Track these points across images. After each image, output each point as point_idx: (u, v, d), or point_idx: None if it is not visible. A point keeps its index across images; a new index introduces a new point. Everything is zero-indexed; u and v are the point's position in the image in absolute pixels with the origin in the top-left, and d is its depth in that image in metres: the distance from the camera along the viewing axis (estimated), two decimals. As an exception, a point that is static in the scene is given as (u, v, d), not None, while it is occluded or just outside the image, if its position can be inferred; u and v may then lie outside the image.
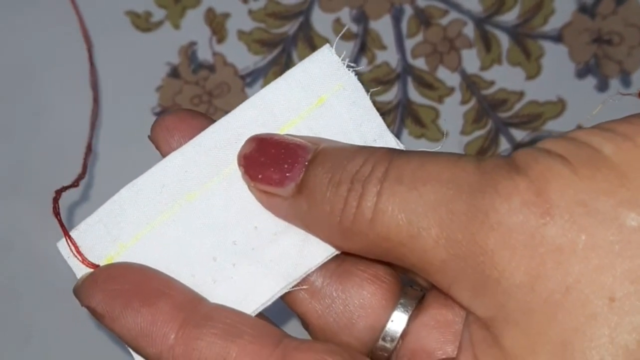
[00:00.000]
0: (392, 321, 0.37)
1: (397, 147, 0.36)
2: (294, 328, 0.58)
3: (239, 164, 0.36)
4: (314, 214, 0.34)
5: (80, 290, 0.35)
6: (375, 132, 0.37)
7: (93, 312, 0.35)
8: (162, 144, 0.38)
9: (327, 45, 0.38)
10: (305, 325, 0.38)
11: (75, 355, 0.62)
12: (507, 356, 0.29)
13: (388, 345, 0.37)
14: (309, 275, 0.37)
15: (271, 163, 0.35)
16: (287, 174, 0.34)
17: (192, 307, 0.34)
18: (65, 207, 0.58)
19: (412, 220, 0.30)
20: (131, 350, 0.36)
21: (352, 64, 0.38)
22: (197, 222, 0.37)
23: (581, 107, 0.64)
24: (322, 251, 0.36)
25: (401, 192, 0.31)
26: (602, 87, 0.64)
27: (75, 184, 0.38)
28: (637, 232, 0.27)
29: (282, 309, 0.38)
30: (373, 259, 0.36)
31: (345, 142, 0.36)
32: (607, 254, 0.27)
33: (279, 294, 0.36)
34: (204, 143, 0.37)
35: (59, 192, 0.38)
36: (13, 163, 0.63)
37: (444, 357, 0.36)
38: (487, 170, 0.30)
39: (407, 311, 0.37)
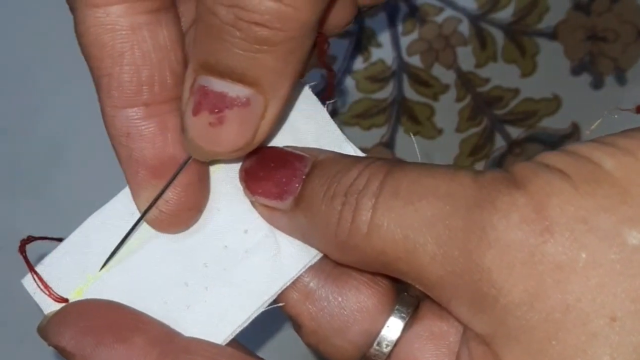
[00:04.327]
0: (387, 327, 0.36)
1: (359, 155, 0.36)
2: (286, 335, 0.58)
3: (240, 179, 0.36)
4: (312, 228, 0.33)
5: (47, 328, 0.34)
6: (334, 144, 0.37)
7: (62, 351, 0.34)
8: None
9: None
10: (298, 327, 0.37)
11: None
12: None
13: (384, 349, 0.36)
14: (302, 276, 0.36)
15: (270, 177, 0.35)
16: (286, 188, 0.34)
17: (167, 341, 0.34)
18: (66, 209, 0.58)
19: (409, 235, 0.30)
20: None
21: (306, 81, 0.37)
22: (166, 248, 0.36)
23: (576, 104, 0.64)
24: (295, 265, 0.36)
25: (397, 207, 0.30)
26: (597, 84, 0.64)
27: (46, 238, 0.37)
28: (639, 250, 0.27)
29: (274, 314, 0.37)
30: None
31: None
32: (608, 272, 0.27)
33: (255, 314, 0.36)
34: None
35: (24, 243, 0.36)
36: (9, 162, 0.62)
37: None
38: (484, 185, 0.29)
39: (403, 318, 0.36)
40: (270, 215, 0.36)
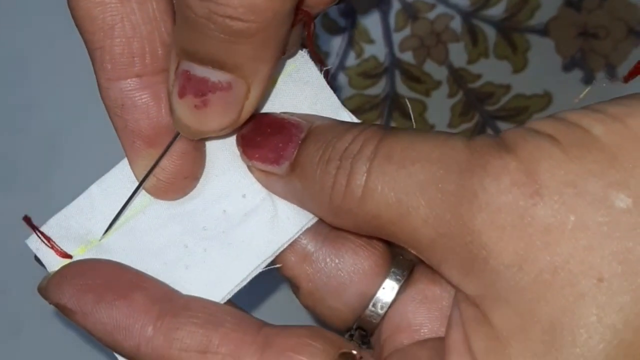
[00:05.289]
0: (383, 288, 0.37)
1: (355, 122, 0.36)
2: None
3: (237, 144, 0.36)
4: (307, 192, 0.34)
5: (48, 287, 0.35)
6: (329, 109, 0.37)
7: (63, 309, 0.34)
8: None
9: None
10: (295, 289, 0.38)
11: (64, 349, 0.62)
12: (497, 334, 0.29)
13: (379, 311, 0.37)
14: (300, 239, 0.37)
15: (266, 142, 0.35)
16: (282, 153, 0.35)
17: (168, 299, 0.34)
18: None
19: (402, 199, 0.31)
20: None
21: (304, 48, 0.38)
22: (166, 213, 0.37)
23: (567, 100, 0.64)
24: (292, 227, 0.37)
25: (391, 171, 0.31)
26: (588, 80, 0.65)
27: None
28: (626, 213, 0.27)
29: (270, 276, 0.38)
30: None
31: None
32: (595, 234, 0.27)
33: (253, 274, 0.36)
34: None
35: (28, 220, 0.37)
36: (4, 157, 0.62)
37: (430, 334, 0.36)
38: (476, 149, 0.30)
39: (399, 280, 0.37)
40: (266, 179, 0.36)
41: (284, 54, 0.36)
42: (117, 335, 0.33)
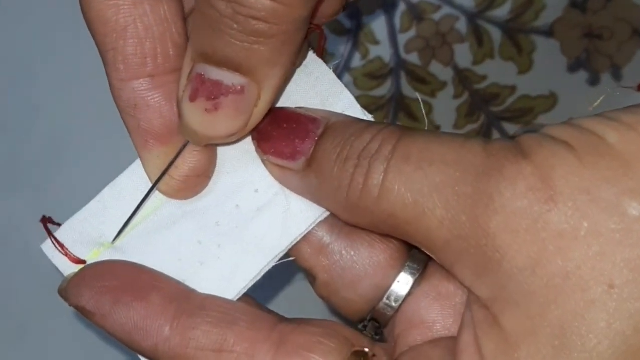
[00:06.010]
0: (398, 282, 0.37)
1: (365, 118, 0.37)
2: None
3: (253, 138, 0.37)
4: (323, 189, 0.34)
5: (67, 289, 0.36)
6: (343, 104, 0.37)
7: (82, 310, 0.35)
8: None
9: None
10: (312, 280, 0.38)
11: (70, 352, 0.62)
12: (507, 336, 0.29)
13: (393, 304, 0.37)
14: (316, 231, 0.37)
15: (283, 137, 0.35)
16: (298, 148, 0.35)
17: (183, 299, 0.35)
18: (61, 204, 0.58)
19: (418, 200, 0.31)
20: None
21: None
22: (179, 211, 0.37)
23: (573, 101, 0.65)
24: (305, 220, 0.37)
25: (408, 171, 0.31)
26: (594, 81, 0.65)
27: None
28: (638, 221, 0.28)
29: (287, 267, 0.38)
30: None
31: None
32: (608, 241, 0.28)
33: (267, 268, 0.37)
34: None
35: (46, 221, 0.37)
36: (9, 158, 0.63)
37: (443, 331, 0.36)
38: (493, 153, 0.30)
39: (414, 274, 0.37)
40: (281, 174, 0.36)
41: (295, 66, 0.36)
42: (136, 335, 0.34)
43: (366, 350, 0.34)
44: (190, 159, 0.36)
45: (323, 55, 0.38)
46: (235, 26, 0.31)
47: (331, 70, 0.38)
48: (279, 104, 0.38)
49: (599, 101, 0.34)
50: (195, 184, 0.37)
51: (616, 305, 0.28)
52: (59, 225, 0.37)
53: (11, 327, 0.62)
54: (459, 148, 0.31)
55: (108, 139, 0.63)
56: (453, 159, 0.31)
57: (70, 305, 0.35)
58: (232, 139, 0.35)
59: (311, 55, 0.38)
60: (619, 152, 0.28)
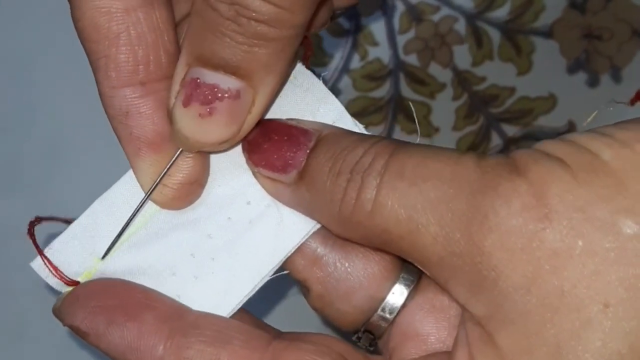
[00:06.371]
0: (392, 293, 0.37)
1: (356, 128, 0.37)
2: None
3: (243, 149, 0.36)
4: (315, 202, 0.34)
5: (61, 309, 0.35)
6: (333, 115, 0.37)
7: (77, 330, 0.35)
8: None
9: None
10: (305, 292, 0.38)
11: (68, 353, 0.62)
12: (502, 355, 0.29)
13: (387, 316, 0.37)
14: (310, 243, 0.37)
15: (274, 149, 0.35)
16: (290, 161, 0.35)
17: (177, 317, 0.35)
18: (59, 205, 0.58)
19: (412, 216, 0.31)
20: None
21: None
22: (170, 223, 0.37)
23: (572, 102, 0.65)
24: (298, 232, 0.37)
25: (402, 187, 0.31)
26: (593, 82, 0.65)
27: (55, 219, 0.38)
28: (633, 239, 0.28)
29: (281, 281, 0.38)
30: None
31: None
32: (603, 260, 0.28)
33: (262, 283, 0.36)
34: None
35: (33, 225, 0.37)
36: (8, 158, 0.63)
37: (437, 344, 0.36)
38: (487, 170, 0.30)
39: (408, 285, 0.37)
40: (272, 187, 0.36)
41: (287, 74, 0.36)
42: (130, 355, 0.34)
43: None
44: (183, 167, 0.36)
45: (309, 65, 0.38)
46: (237, 28, 0.31)
47: (320, 81, 0.38)
48: (269, 116, 0.37)
49: (592, 116, 0.34)
50: (189, 191, 0.36)
51: (611, 324, 0.28)
52: (52, 219, 0.37)
53: (11, 327, 0.62)
54: (453, 164, 0.31)
55: (108, 139, 0.63)
56: (447, 176, 0.30)
57: (64, 325, 0.35)
58: (224, 147, 0.35)
59: (299, 67, 0.38)
60: (613, 169, 0.28)
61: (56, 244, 0.37)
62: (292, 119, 0.36)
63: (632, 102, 0.33)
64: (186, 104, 0.33)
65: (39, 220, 0.37)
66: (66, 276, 0.36)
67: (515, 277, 0.29)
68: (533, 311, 0.28)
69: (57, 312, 0.36)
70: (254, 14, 0.31)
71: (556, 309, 0.28)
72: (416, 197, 0.31)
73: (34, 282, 0.60)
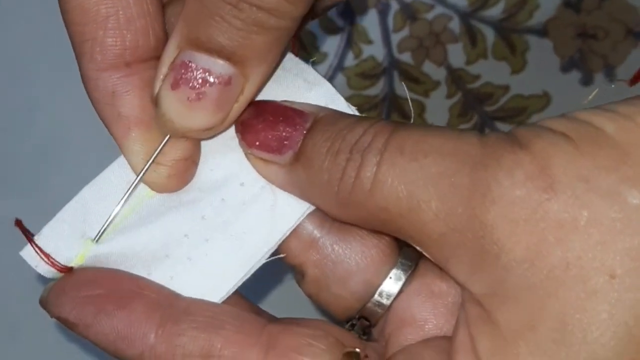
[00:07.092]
0: (390, 278, 0.36)
1: (350, 111, 0.36)
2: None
3: (236, 130, 0.35)
4: (312, 183, 0.33)
5: (48, 300, 0.35)
6: (325, 97, 0.36)
7: (64, 322, 0.34)
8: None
9: None
10: (300, 277, 0.37)
11: (61, 351, 0.61)
12: (503, 333, 0.29)
13: (384, 301, 0.36)
14: (306, 225, 0.36)
15: (269, 130, 0.34)
16: (285, 142, 0.34)
17: (168, 304, 0.34)
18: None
19: (413, 192, 0.30)
20: None
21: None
22: (163, 206, 0.36)
23: (566, 100, 0.65)
24: (293, 214, 0.36)
25: (402, 163, 0.31)
26: (587, 81, 0.65)
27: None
28: (638, 209, 0.27)
29: (275, 265, 0.37)
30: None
31: None
32: (608, 230, 0.27)
33: (257, 266, 0.36)
34: None
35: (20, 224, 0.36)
36: (8, 158, 0.62)
37: (434, 330, 0.36)
38: (489, 144, 0.30)
39: (406, 270, 0.36)
40: (265, 168, 0.35)
41: (275, 67, 0.36)
42: (120, 344, 0.33)
43: (357, 350, 0.34)
44: (177, 143, 0.35)
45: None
46: (238, 13, 0.31)
47: (309, 66, 0.37)
48: (260, 97, 0.37)
49: (593, 94, 0.33)
50: (184, 168, 0.36)
51: (618, 295, 0.27)
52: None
53: (4, 329, 0.61)
54: (454, 139, 0.30)
55: (108, 139, 0.62)
56: (448, 150, 0.30)
57: (52, 316, 0.34)
58: (207, 134, 0.34)
59: (288, 55, 0.37)
60: (617, 141, 0.28)
61: (45, 230, 0.36)
62: (286, 101, 0.36)
63: (632, 83, 0.33)
64: (175, 87, 0.32)
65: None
66: (58, 262, 0.35)
67: (519, 250, 0.28)
68: (537, 285, 0.28)
69: (44, 303, 0.35)
70: (256, 1, 0.31)
71: (561, 282, 0.28)
72: (417, 172, 0.30)
73: (26, 283, 0.60)
